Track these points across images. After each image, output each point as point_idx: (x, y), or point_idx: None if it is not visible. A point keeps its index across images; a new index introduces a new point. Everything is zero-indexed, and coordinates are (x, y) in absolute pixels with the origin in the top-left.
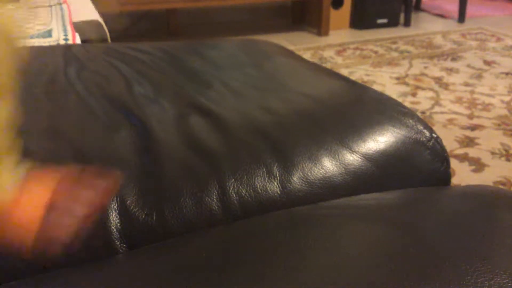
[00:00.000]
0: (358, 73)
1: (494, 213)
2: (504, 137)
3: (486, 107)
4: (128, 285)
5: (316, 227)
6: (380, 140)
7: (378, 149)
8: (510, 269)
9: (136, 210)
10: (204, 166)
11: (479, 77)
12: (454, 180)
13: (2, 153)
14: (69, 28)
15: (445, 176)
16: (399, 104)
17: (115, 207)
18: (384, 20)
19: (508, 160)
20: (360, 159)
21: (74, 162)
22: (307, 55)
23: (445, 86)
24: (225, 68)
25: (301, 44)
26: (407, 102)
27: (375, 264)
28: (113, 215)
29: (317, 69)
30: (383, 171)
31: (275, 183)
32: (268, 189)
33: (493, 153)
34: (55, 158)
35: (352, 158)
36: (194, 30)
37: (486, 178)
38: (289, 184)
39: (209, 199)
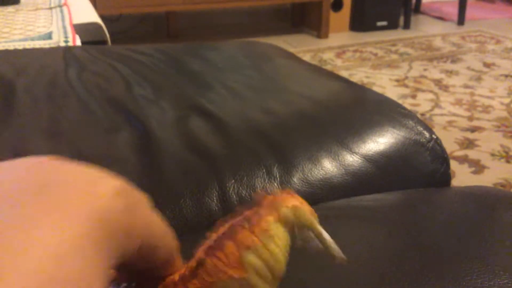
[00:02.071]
0: (357, 75)
1: (494, 213)
2: (503, 139)
3: (486, 109)
4: None
5: None
6: (380, 141)
7: (378, 150)
8: (510, 270)
9: None
10: (204, 167)
11: (478, 79)
12: (454, 182)
13: None
14: (69, 30)
15: (445, 177)
16: (399, 106)
17: None
18: (384, 23)
19: (507, 162)
20: (360, 160)
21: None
22: (306, 58)
23: (445, 88)
24: (225, 70)
25: (301, 47)
26: (406, 104)
27: (375, 265)
28: None
29: (317, 71)
30: (383, 172)
31: (275, 184)
32: (269, 190)
33: (492, 154)
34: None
35: (352, 159)
36: (194, 32)
37: (486, 180)
38: (289, 185)
39: (209, 200)
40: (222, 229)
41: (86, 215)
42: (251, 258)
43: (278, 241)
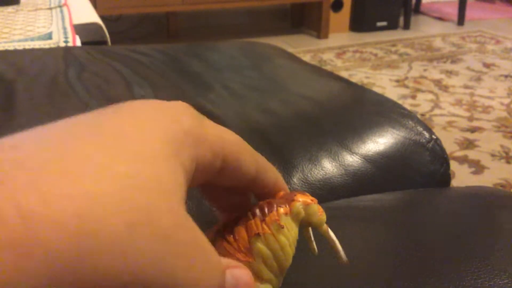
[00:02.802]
0: (357, 75)
1: (494, 213)
2: (503, 139)
3: (486, 109)
4: None
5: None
6: (380, 142)
7: (378, 150)
8: (510, 270)
9: None
10: None
11: (478, 79)
12: (454, 183)
13: None
14: (69, 31)
15: (444, 177)
16: (399, 106)
17: None
18: (384, 23)
19: (507, 162)
20: (360, 161)
21: None
22: (306, 58)
23: (445, 89)
24: (224, 70)
25: (301, 47)
26: (406, 104)
27: (375, 265)
28: None
29: (317, 71)
30: (383, 173)
31: None
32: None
33: (492, 155)
34: None
35: (352, 160)
36: (194, 33)
37: (486, 180)
38: (289, 186)
39: None
40: (234, 214)
41: (162, 126)
42: (260, 245)
43: (287, 233)
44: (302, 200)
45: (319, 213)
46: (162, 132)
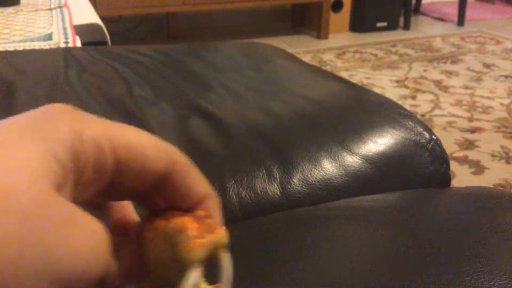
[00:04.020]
0: (357, 76)
1: (494, 214)
2: (503, 140)
3: (486, 109)
4: None
5: (316, 228)
6: (380, 142)
7: (378, 151)
8: (510, 270)
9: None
10: (204, 168)
11: (478, 80)
12: (454, 183)
13: None
14: (69, 31)
15: (444, 178)
16: (399, 106)
17: None
18: (384, 24)
19: (507, 162)
20: (360, 161)
21: None
22: (306, 58)
23: (445, 89)
24: (225, 71)
25: (301, 47)
26: (406, 105)
27: (375, 265)
28: None
29: (317, 71)
30: (383, 173)
31: (275, 184)
32: (268, 190)
33: (492, 155)
34: None
35: (352, 160)
36: (194, 33)
37: (486, 181)
38: (289, 186)
39: None
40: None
41: (29, 124)
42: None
43: (155, 248)
44: (176, 224)
45: (190, 246)
46: (28, 128)
